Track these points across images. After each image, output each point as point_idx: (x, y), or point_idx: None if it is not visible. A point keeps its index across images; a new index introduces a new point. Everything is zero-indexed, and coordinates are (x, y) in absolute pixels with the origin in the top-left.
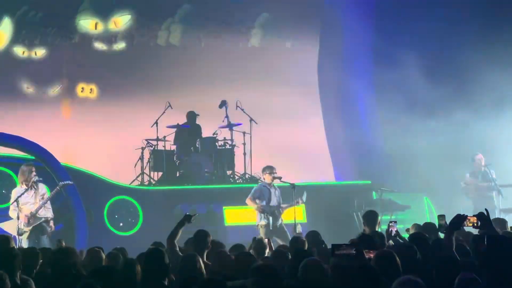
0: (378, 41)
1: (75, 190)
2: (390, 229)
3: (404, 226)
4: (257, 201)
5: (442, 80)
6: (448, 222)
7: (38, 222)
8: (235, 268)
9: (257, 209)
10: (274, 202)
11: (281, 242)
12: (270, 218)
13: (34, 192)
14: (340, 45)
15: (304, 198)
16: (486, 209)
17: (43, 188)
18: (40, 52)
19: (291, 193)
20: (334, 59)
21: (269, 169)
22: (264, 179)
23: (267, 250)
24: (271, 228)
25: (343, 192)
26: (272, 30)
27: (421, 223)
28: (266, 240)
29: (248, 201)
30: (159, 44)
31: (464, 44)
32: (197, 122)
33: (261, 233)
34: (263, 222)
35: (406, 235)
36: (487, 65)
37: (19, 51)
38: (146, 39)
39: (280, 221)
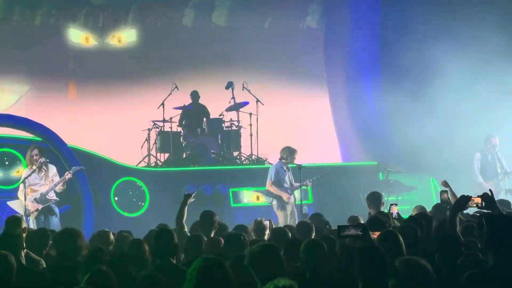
0: (385, 21)
1: (82, 172)
2: (391, 211)
3: (410, 207)
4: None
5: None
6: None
7: (48, 204)
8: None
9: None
10: (288, 183)
11: (289, 221)
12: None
13: (44, 174)
14: (346, 26)
15: (311, 180)
16: (490, 190)
17: (53, 169)
18: None
19: (297, 174)
20: (341, 41)
21: (289, 151)
22: (283, 159)
23: (267, 232)
24: (281, 209)
25: (349, 173)
26: (281, 11)
27: (427, 205)
28: (266, 222)
29: (269, 186)
30: (167, 26)
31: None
32: (203, 103)
33: (279, 212)
34: (274, 202)
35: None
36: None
37: None
38: (154, 21)
39: (293, 201)
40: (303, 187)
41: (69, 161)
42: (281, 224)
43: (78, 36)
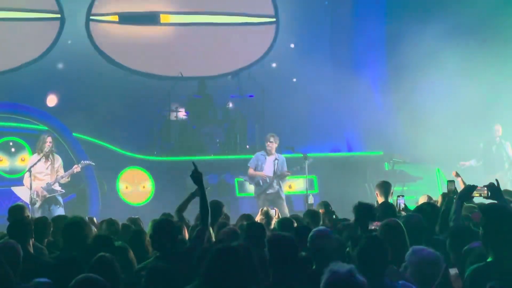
0: (390, 7)
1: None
2: (398, 202)
3: (416, 197)
4: (251, 170)
5: (457, 52)
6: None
7: (53, 194)
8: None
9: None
10: (268, 171)
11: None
12: (259, 187)
13: (50, 164)
14: (351, 13)
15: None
16: (496, 180)
17: (58, 160)
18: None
19: (303, 164)
20: (346, 28)
21: (272, 138)
22: (267, 146)
23: (274, 221)
24: (261, 197)
25: (355, 163)
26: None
27: (432, 194)
28: (272, 211)
29: (249, 171)
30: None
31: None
32: (209, 92)
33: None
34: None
35: (411, 207)
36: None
37: None
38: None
39: (273, 190)
40: (303, 176)
41: (76, 152)
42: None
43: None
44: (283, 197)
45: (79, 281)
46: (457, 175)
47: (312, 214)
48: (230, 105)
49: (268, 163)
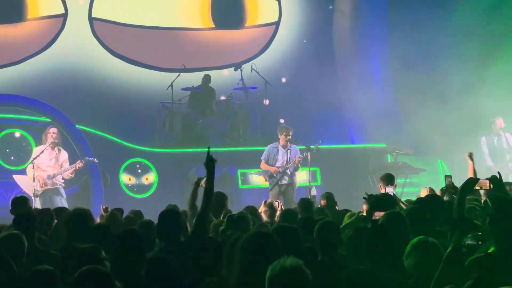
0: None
1: (92, 154)
2: (386, 192)
3: (418, 189)
4: (263, 163)
5: (460, 43)
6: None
7: (54, 187)
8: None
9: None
10: (280, 162)
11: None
12: (274, 179)
13: (55, 156)
14: (355, 7)
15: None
16: (498, 172)
17: (64, 155)
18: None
19: (309, 151)
20: (349, 21)
21: (285, 130)
22: (279, 138)
23: (277, 213)
24: (272, 188)
25: (358, 155)
26: None
27: (435, 187)
28: (276, 203)
29: (261, 165)
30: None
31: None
32: (212, 84)
33: (270, 191)
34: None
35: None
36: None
37: None
38: None
39: (286, 181)
40: (305, 168)
41: (80, 145)
42: None
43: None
44: (295, 189)
45: (84, 272)
46: (470, 157)
47: (304, 204)
48: (234, 97)
49: (281, 154)
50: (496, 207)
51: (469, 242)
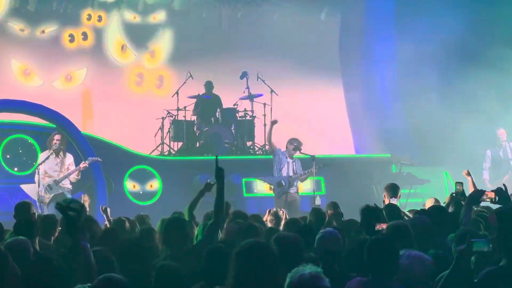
0: (400, 11)
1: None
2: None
3: (423, 200)
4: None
5: (465, 53)
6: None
7: (61, 191)
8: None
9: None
10: (286, 173)
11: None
12: (282, 187)
13: (60, 161)
14: (361, 18)
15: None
16: (504, 184)
17: (70, 158)
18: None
19: (310, 165)
20: (355, 33)
21: (296, 143)
22: (287, 147)
23: (282, 222)
24: (279, 197)
25: (362, 165)
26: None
27: (440, 198)
28: (281, 212)
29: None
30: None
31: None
32: (217, 92)
33: (275, 199)
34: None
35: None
36: None
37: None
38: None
39: (294, 190)
40: (310, 177)
41: (84, 150)
42: None
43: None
44: (299, 197)
45: (101, 281)
46: (468, 174)
47: (317, 213)
48: (239, 105)
49: (287, 163)
50: (505, 221)
51: (479, 248)
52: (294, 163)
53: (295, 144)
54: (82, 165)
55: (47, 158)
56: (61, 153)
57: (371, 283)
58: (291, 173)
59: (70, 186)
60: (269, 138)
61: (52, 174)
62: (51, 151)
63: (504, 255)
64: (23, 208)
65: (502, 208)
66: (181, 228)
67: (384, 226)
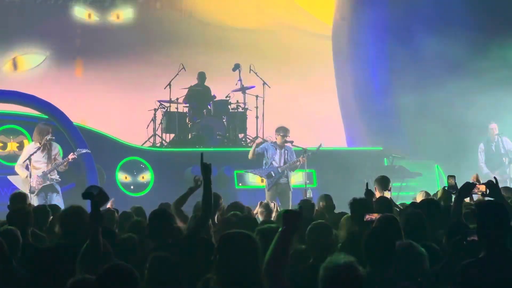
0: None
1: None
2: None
3: (414, 193)
4: (251, 154)
5: (455, 47)
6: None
7: (50, 183)
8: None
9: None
10: (278, 162)
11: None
12: (272, 179)
13: (47, 152)
14: (354, 13)
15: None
16: (495, 177)
17: (55, 148)
18: None
19: (309, 153)
20: (348, 27)
21: (283, 131)
22: (276, 138)
23: (274, 214)
24: (270, 188)
25: (354, 158)
26: None
27: (431, 191)
28: (272, 204)
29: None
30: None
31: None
32: (209, 84)
33: (266, 190)
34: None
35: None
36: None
37: None
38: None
39: (284, 181)
40: (301, 169)
41: (76, 141)
42: None
43: (83, 13)
44: (291, 189)
45: (107, 268)
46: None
47: (305, 206)
48: (231, 97)
49: (278, 154)
50: (483, 213)
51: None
52: (285, 152)
53: (281, 134)
54: (70, 156)
55: (38, 149)
56: (47, 144)
57: (368, 274)
58: (282, 163)
59: (58, 177)
60: (253, 153)
61: (39, 166)
62: (40, 145)
63: (483, 247)
64: (18, 198)
65: (482, 202)
66: (165, 220)
67: (373, 216)
